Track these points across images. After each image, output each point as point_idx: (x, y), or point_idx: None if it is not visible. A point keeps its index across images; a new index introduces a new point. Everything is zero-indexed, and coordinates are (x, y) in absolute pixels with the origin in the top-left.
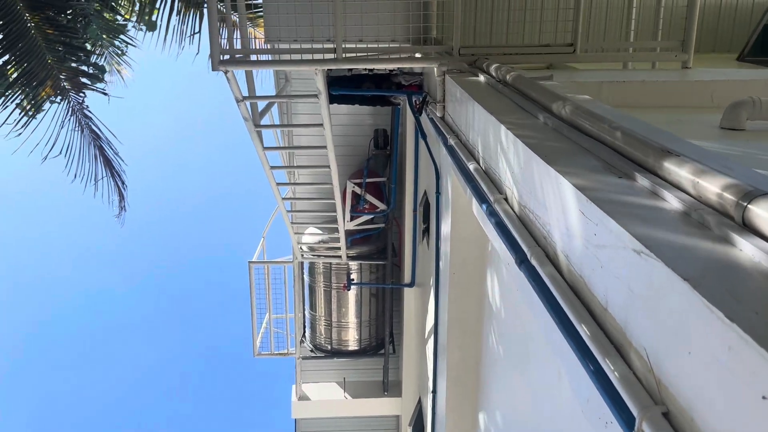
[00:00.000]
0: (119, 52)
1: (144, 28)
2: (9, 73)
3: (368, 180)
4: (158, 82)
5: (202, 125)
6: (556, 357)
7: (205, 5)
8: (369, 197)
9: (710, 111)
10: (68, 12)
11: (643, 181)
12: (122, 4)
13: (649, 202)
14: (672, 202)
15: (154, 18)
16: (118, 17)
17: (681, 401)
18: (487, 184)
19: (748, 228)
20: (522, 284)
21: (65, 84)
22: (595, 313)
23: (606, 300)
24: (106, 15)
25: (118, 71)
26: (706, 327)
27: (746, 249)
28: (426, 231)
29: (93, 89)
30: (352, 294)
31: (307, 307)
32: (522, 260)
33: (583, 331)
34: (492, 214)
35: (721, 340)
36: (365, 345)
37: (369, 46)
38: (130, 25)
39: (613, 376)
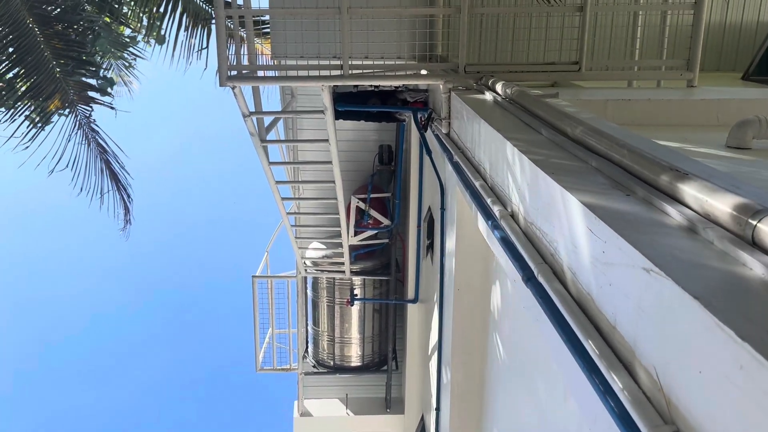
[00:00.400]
0: (127, 65)
1: (153, 41)
2: (18, 86)
3: (373, 195)
4: (165, 97)
5: (208, 139)
6: (563, 375)
7: (213, 22)
8: (373, 212)
9: (716, 129)
10: (77, 26)
11: (651, 199)
12: (132, 18)
13: (657, 220)
14: (680, 220)
15: (162, 31)
16: (128, 30)
17: (691, 421)
18: (493, 200)
19: (758, 246)
20: (529, 301)
21: (73, 97)
22: (603, 330)
23: (614, 318)
24: (115, 28)
25: (125, 83)
26: (717, 346)
27: (756, 267)
28: (430, 246)
29: (100, 103)
30: (355, 309)
31: (310, 322)
32: (529, 277)
33: (591, 348)
34: (498, 229)
35: (732, 359)
36: (368, 361)
37: (375, 62)
38: (138, 38)
39: (622, 395)
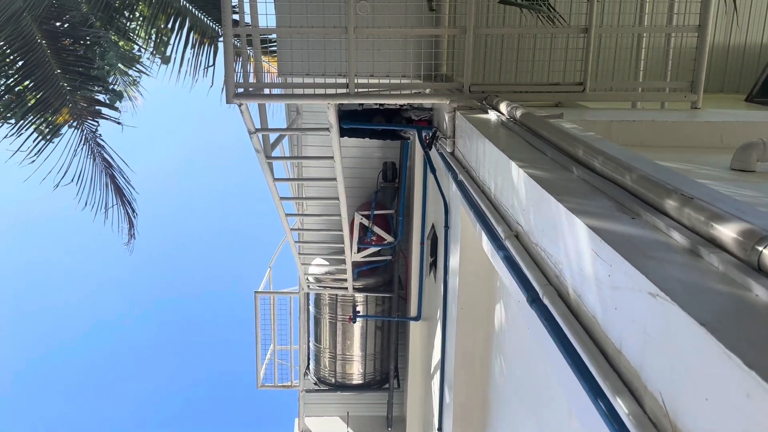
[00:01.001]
0: (133, 81)
1: (158, 59)
2: (27, 99)
3: (376, 212)
4: (171, 111)
5: (212, 153)
6: (567, 398)
7: (221, 40)
8: (376, 229)
9: (720, 151)
10: (85, 41)
11: (656, 222)
12: (139, 34)
13: (663, 244)
14: (686, 244)
15: (169, 49)
16: (135, 46)
17: None
18: (498, 220)
19: (763, 272)
20: (533, 322)
21: (80, 111)
22: (608, 354)
23: (620, 342)
24: (122, 44)
25: (130, 99)
26: (724, 373)
27: (761, 293)
28: (433, 264)
29: (107, 118)
30: (357, 326)
31: (311, 338)
32: (534, 298)
33: (597, 372)
34: (502, 250)
35: (739, 387)
36: (369, 379)
37: (380, 81)
38: (146, 55)
39: (628, 420)
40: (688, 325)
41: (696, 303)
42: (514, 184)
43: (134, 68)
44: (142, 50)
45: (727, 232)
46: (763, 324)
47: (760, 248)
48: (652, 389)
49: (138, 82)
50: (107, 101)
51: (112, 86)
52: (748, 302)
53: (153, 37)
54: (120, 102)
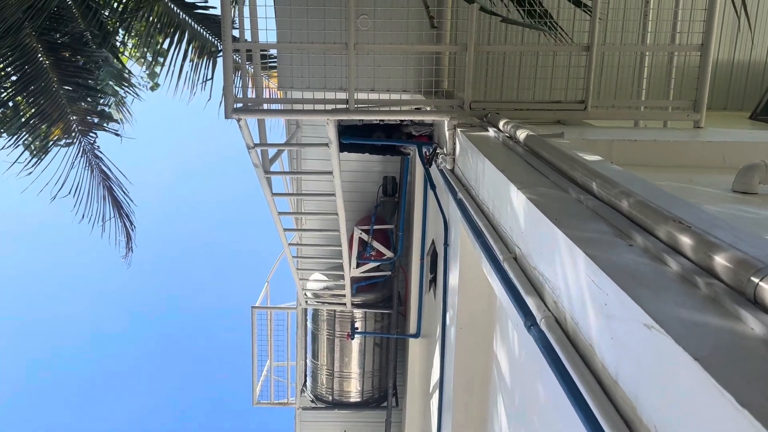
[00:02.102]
0: (121, 100)
1: (148, 83)
2: (24, 112)
3: (376, 227)
4: (170, 125)
5: (211, 168)
6: (563, 426)
7: (220, 54)
8: (376, 244)
9: (722, 172)
10: (84, 53)
11: (654, 250)
12: (134, 52)
13: (659, 272)
14: (682, 273)
15: (167, 62)
16: (129, 63)
17: None
18: (497, 241)
19: (759, 305)
20: (530, 347)
21: (77, 126)
22: (605, 384)
23: (617, 372)
24: (115, 65)
25: (119, 120)
26: (717, 410)
27: (756, 327)
28: (433, 281)
29: (106, 130)
30: (355, 343)
31: (309, 355)
32: (531, 324)
33: (593, 403)
34: (500, 272)
35: (732, 425)
36: (367, 397)
37: (380, 96)
38: (140, 72)
39: None
40: (682, 359)
41: (690, 336)
42: (513, 206)
43: (124, 89)
44: (137, 70)
45: (723, 263)
46: (758, 360)
47: (756, 280)
48: (648, 422)
49: (125, 104)
50: (107, 114)
51: (102, 106)
52: (743, 336)
53: (149, 57)
54: (120, 113)
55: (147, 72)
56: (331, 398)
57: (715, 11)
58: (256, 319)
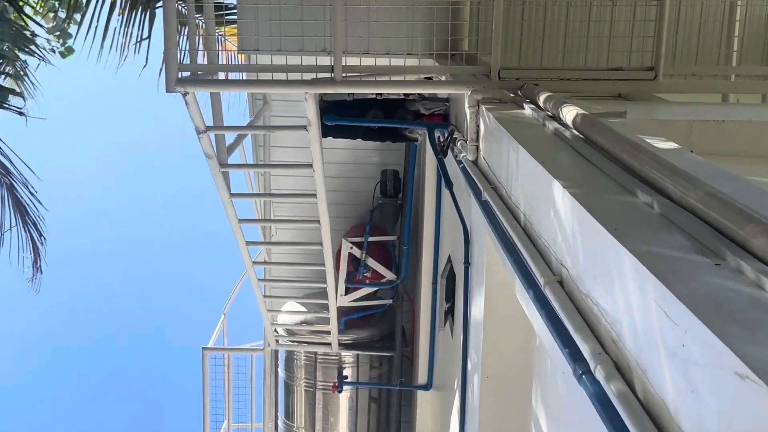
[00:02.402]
0: (22, 73)
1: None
2: None
3: (372, 238)
4: (93, 102)
5: (152, 161)
6: None
7: (159, 5)
8: (372, 262)
9: None
10: None
11: (748, 270)
12: (41, 6)
13: (756, 301)
14: None
15: (86, 15)
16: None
17: None
18: (535, 259)
19: None
20: (582, 402)
21: None
22: None
23: None
24: (13, 17)
25: (22, 95)
26: None
27: None
28: (449, 312)
29: (2, 106)
30: (344, 397)
31: (280, 413)
32: (583, 371)
33: None
34: (541, 300)
35: None
36: None
37: (378, 63)
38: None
39: None
40: None
41: None
42: (557, 212)
43: (26, 51)
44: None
45: None
46: None
47: None
48: None
49: (28, 74)
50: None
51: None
52: None
53: (60, 11)
54: (22, 86)
55: (57, 31)
56: None
57: None
58: (208, 363)
